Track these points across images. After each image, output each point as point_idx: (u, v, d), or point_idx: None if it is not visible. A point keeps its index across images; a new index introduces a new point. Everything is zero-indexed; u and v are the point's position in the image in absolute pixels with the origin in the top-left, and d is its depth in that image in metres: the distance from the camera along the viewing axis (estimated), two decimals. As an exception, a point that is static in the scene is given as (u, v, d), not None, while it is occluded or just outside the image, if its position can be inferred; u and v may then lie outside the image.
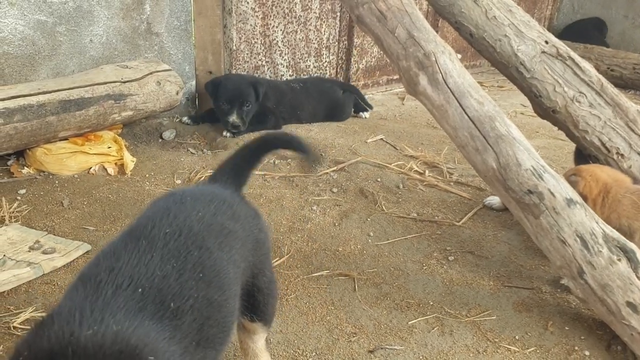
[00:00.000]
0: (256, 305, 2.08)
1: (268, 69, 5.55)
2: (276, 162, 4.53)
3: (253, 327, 2.25)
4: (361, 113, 5.76)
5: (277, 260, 3.21)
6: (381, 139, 5.17)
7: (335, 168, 4.45)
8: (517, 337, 2.73)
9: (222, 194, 1.95)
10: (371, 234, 3.59)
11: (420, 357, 2.57)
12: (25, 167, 3.99)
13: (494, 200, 3.96)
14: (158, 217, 1.69)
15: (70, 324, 1.32)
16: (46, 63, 4.28)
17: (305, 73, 5.88)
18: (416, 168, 4.53)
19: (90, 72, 4.26)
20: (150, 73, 4.44)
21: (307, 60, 5.84)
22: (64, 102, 3.92)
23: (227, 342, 1.73)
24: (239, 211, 1.93)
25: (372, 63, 6.48)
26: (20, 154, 4.12)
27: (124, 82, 4.25)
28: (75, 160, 4.04)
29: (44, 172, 4.04)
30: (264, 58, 5.49)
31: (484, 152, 2.99)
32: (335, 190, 4.16)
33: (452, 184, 4.36)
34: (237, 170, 2.19)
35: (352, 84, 6.18)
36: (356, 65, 6.29)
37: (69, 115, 3.94)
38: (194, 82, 5.20)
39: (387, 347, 2.62)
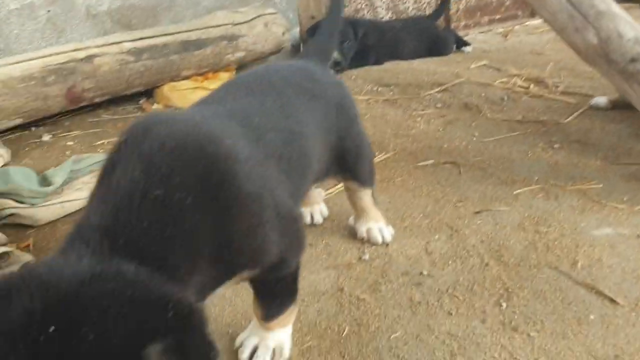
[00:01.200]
0: (346, 165, 2.29)
1: (367, 11, 5.76)
2: (379, 89, 4.73)
3: (351, 185, 2.50)
4: (463, 48, 5.81)
5: (382, 156, 3.42)
6: (484, 64, 5.20)
7: (438, 89, 4.56)
8: (624, 199, 2.76)
9: (305, 65, 2.22)
10: (476, 134, 3.70)
11: (525, 216, 2.67)
12: (155, 104, 4.49)
13: (601, 100, 3.92)
14: (241, 77, 1.99)
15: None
16: (166, 14, 4.78)
17: (404, 15, 6.02)
18: (521, 83, 4.54)
19: (205, 17, 4.71)
20: (258, 16, 4.82)
21: (405, 2, 5.98)
22: (184, 42, 4.38)
23: (302, 189, 1.90)
24: (321, 77, 2.18)
25: (472, 3, 6.49)
26: (149, 94, 4.64)
27: (235, 24, 4.65)
28: (197, 94, 4.49)
29: (171, 107, 4.52)
30: (363, 1, 5.70)
31: (583, 30, 3.02)
32: (439, 105, 4.29)
33: (558, 94, 4.33)
34: (319, 48, 2.46)
35: (453, 25, 6.22)
36: (456, 5, 6.33)
37: (189, 55, 4.40)
38: (297, 29, 5.52)
39: (493, 209, 2.75)
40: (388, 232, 2.54)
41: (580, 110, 3.90)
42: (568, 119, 3.78)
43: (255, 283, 1.74)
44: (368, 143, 2.44)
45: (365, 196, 2.50)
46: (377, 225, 2.52)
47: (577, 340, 1.90)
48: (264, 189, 1.56)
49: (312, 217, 2.70)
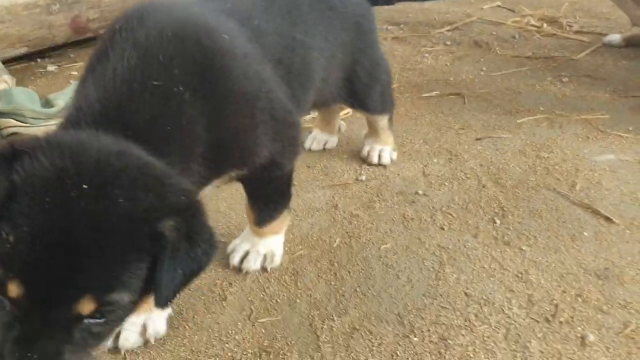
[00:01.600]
0: (355, 91, 2.21)
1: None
2: (388, 28, 4.63)
3: (361, 113, 2.46)
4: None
5: (388, 87, 3.35)
6: (498, 5, 5.06)
7: (448, 28, 4.46)
8: (630, 129, 2.71)
9: None
10: (484, 68, 3.62)
11: (527, 143, 2.63)
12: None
13: (614, 37, 3.81)
14: None
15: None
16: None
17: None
18: (533, 22, 4.42)
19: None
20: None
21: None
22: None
23: (302, 101, 1.84)
24: None
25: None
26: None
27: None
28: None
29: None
30: (376, -62, 5.53)
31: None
32: (448, 43, 4.20)
33: (571, 33, 4.21)
34: None
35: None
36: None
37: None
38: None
39: (495, 136, 2.71)
40: (388, 156, 2.52)
41: (593, 47, 3.80)
42: (579, 56, 3.70)
43: (247, 184, 1.73)
44: (386, 70, 2.36)
45: (380, 121, 2.47)
46: (379, 147, 2.50)
47: (569, 254, 1.89)
48: (260, 90, 1.53)
49: (312, 142, 2.67)
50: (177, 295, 1.20)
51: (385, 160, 2.49)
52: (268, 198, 1.76)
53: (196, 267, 1.17)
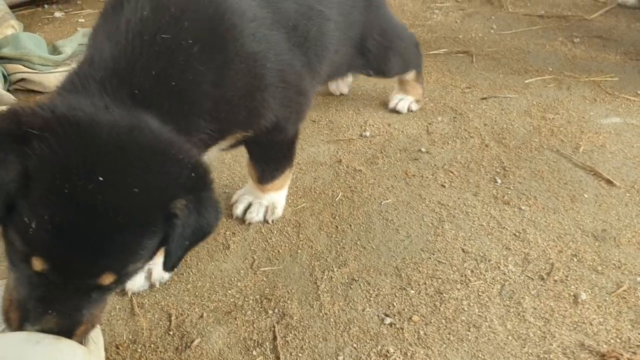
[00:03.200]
0: (372, 62, 2.21)
1: None
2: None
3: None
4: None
5: (397, 43, 3.32)
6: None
7: (460, -17, 4.37)
8: (638, 92, 2.68)
9: None
10: (494, 26, 3.58)
11: (534, 104, 2.62)
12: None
13: (630, -2, 3.73)
14: None
15: None
16: None
17: None
18: (548, -20, 4.32)
19: None
20: None
21: None
22: None
23: (318, 70, 1.82)
24: None
25: None
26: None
27: None
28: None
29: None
30: None
31: None
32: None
33: (586, -8, 4.13)
34: None
35: None
36: None
37: None
38: None
39: (501, 96, 2.70)
40: (405, 104, 2.57)
41: (607, 8, 3.73)
42: (593, 16, 3.64)
43: (250, 146, 1.74)
44: (400, 35, 2.34)
45: (406, 75, 2.51)
46: (400, 96, 2.55)
47: (568, 215, 1.91)
48: (269, 52, 1.52)
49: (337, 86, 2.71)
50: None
51: (401, 107, 2.57)
52: (270, 159, 1.78)
53: (201, 236, 1.24)
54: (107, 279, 1.13)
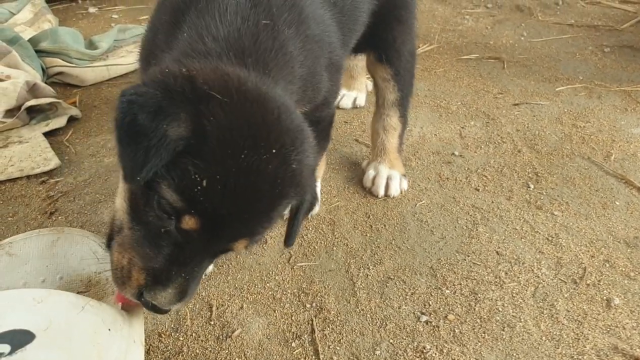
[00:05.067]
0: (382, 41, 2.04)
1: None
2: (430, -14, 4.57)
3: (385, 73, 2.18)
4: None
5: (425, 47, 3.37)
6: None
7: (490, -10, 4.39)
8: (671, 103, 2.69)
9: None
10: (525, 34, 3.60)
11: (565, 111, 2.64)
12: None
13: (663, 8, 3.72)
14: None
15: None
16: None
17: None
18: (578, -11, 4.33)
19: None
20: None
21: None
22: None
23: (349, 43, 1.83)
24: None
25: None
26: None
27: None
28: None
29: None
30: None
31: None
32: (489, 6, 4.16)
33: (617, 2, 4.13)
34: None
35: None
36: None
37: None
38: None
39: (532, 102, 2.72)
40: (398, 185, 2.15)
41: (638, 18, 3.74)
42: (624, 26, 3.64)
43: None
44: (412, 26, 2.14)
45: (393, 115, 2.22)
46: (386, 172, 2.19)
47: (600, 221, 1.93)
48: (324, 33, 1.58)
49: (341, 99, 2.71)
50: None
51: (394, 191, 2.10)
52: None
53: (308, 212, 1.31)
54: (242, 244, 1.16)
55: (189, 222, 1.07)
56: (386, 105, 2.04)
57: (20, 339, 1.03)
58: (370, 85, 2.76)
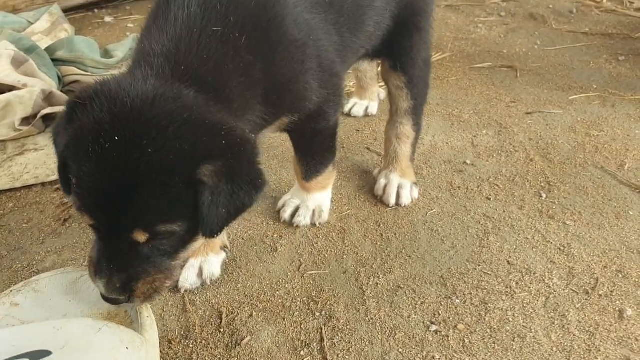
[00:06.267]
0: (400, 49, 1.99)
1: None
2: (443, -5, 4.57)
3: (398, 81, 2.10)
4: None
5: (438, 55, 3.37)
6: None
7: (504, -2, 4.38)
8: (687, 112, 2.66)
9: None
10: (538, 42, 3.59)
11: (578, 120, 2.62)
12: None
13: (679, 16, 3.69)
14: None
15: None
16: None
17: None
18: (593, -3, 4.31)
19: None
20: None
21: None
22: None
23: (352, 47, 1.78)
24: None
25: None
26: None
27: None
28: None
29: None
30: None
31: None
32: (503, 14, 4.15)
33: (632, 10, 4.10)
34: None
35: None
36: None
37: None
38: None
39: (545, 111, 2.71)
40: (409, 194, 2.12)
41: (654, 26, 3.70)
42: (638, 34, 3.61)
43: (296, 136, 1.80)
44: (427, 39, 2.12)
45: (406, 124, 2.17)
46: (398, 181, 2.15)
47: (613, 231, 1.92)
48: (309, 38, 1.58)
49: (352, 108, 2.72)
50: (225, 227, 1.31)
51: (405, 199, 2.08)
52: (315, 151, 1.82)
53: (240, 206, 1.26)
54: (140, 236, 1.23)
55: (84, 218, 1.25)
56: (400, 113, 2.04)
57: (37, 356, 1.15)
58: (382, 94, 2.76)
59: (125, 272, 1.26)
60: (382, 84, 2.72)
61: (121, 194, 1.17)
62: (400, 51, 1.98)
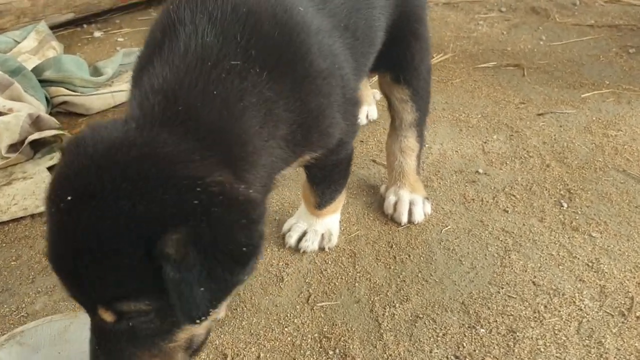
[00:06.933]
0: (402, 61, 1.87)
1: None
2: (441, -8, 4.44)
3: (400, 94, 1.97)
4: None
5: (439, 57, 3.23)
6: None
7: (504, -7, 4.25)
8: None
9: None
10: (543, 37, 3.45)
11: (593, 119, 2.49)
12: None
13: (688, 3, 3.55)
14: None
15: None
16: None
17: None
18: (596, -12, 4.17)
19: None
20: None
21: None
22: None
23: (364, 68, 1.67)
24: None
25: None
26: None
27: None
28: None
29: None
30: None
31: None
32: (503, 9, 4.01)
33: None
34: None
35: None
36: None
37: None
38: None
39: (558, 111, 2.57)
40: (422, 211, 2.00)
41: (662, 16, 3.56)
42: (647, 24, 3.47)
43: (313, 169, 1.65)
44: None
45: (410, 136, 2.04)
46: (408, 197, 2.03)
47: (643, 242, 1.78)
48: (334, 66, 1.42)
49: (367, 115, 2.58)
50: (213, 310, 1.02)
51: (418, 216, 1.95)
52: (332, 181, 1.69)
53: (224, 284, 1.00)
54: (105, 315, 1.03)
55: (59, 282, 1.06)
56: (404, 126, 1.90)
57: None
58: (377, 94, 2.62)
59: (113, 356, 1.07)
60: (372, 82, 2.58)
61: (75, 264, 0.98)
62: (402, 62, 1.84)
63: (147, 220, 0.94)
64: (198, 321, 0.98)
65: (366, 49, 1.63)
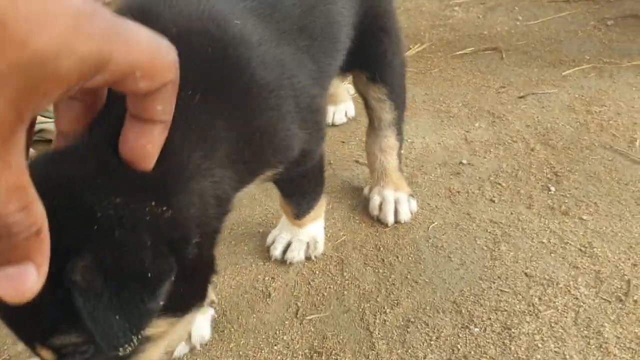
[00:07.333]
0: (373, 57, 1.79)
1: None
2: (414, -19, 4.37)
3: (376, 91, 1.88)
4: None
5: (416, 47, 3.18)
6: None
7: (477, -25, 4.18)
8: (690, 72, 2.47)
9: None
10: (520, 17, 3.40)
11: (576, 97, 2.44)
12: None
13: (662, -31, 3.50)
14: None
15: None
16: None
17: None
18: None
19: None
20: None
21: None
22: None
23: (329, 69, 1.56)
24: None
25: None
26: None
27: None
28: None
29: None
30: None
31: None
32: (478, -7, 3.95)
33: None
34: None
35: None
36: None
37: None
38: None
39: (539, 92, 2.52)
40: (407, 209, 1.95)
41: (639, -16, 3.51)
42: (624, -6, 3.42)
43: (282, 182, 1.59)
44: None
45: (390, 136, 1.97)
46: (393, 195, 1.98)
47: (636, 221, 1.73)
48: (282, 77, 1.35)
49: (333, 117, 2.52)
50: (135, 337, 0.90)
51: (405, 215, 1.90)
52: (305, 191, 1.63)
53: (136, 311, 0.90)
54: (44, 353, 0.95)
55: None
56: (383, 126, 1.85)
57: None
58: (351, 89, 2.55)
59: None
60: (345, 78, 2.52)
61: (6, 305, 0.92)
62: (375, 59, 1.77)
63: (57, 250, 0.86)
64: (122, 349, 0.91)
65: (328, 46, 1.53)
